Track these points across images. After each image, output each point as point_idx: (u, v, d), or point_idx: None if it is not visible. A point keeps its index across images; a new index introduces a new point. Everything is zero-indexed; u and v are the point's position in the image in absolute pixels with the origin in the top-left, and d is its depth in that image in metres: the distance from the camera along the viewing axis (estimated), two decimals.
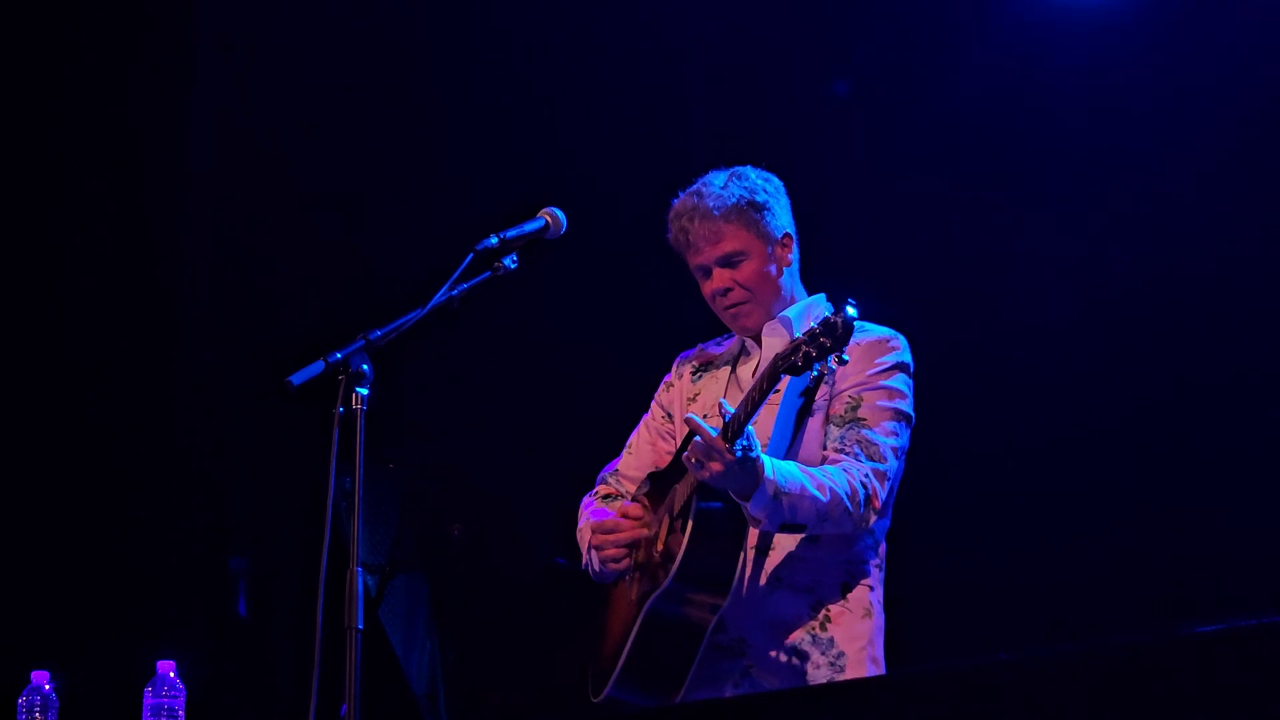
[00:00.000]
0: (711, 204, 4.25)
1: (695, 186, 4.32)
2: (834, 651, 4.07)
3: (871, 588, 4.17)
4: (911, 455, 6.56)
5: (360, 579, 3.71)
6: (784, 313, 4.28)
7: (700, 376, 4.42)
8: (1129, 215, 6.49)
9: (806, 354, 3.71)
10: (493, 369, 6.97)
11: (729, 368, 4.37)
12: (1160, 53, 6.42)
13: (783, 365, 3.76)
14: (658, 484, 4.29)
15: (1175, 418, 6.35)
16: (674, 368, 4.52)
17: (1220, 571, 6.14)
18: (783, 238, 4.30)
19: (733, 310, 4.27)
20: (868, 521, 4.03)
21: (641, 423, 4.53)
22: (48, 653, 6.04)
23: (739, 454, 3.77)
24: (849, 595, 4.12)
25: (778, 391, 4.11)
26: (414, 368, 6.17)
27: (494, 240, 4.04)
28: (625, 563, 4.19)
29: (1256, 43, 6.26)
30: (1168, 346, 6.39)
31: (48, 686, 4.38)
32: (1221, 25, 6.31)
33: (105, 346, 7.14)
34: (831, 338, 3.69)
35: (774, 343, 4.20)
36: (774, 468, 3.85)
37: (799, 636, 4.07)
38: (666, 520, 4.10)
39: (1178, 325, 6.38)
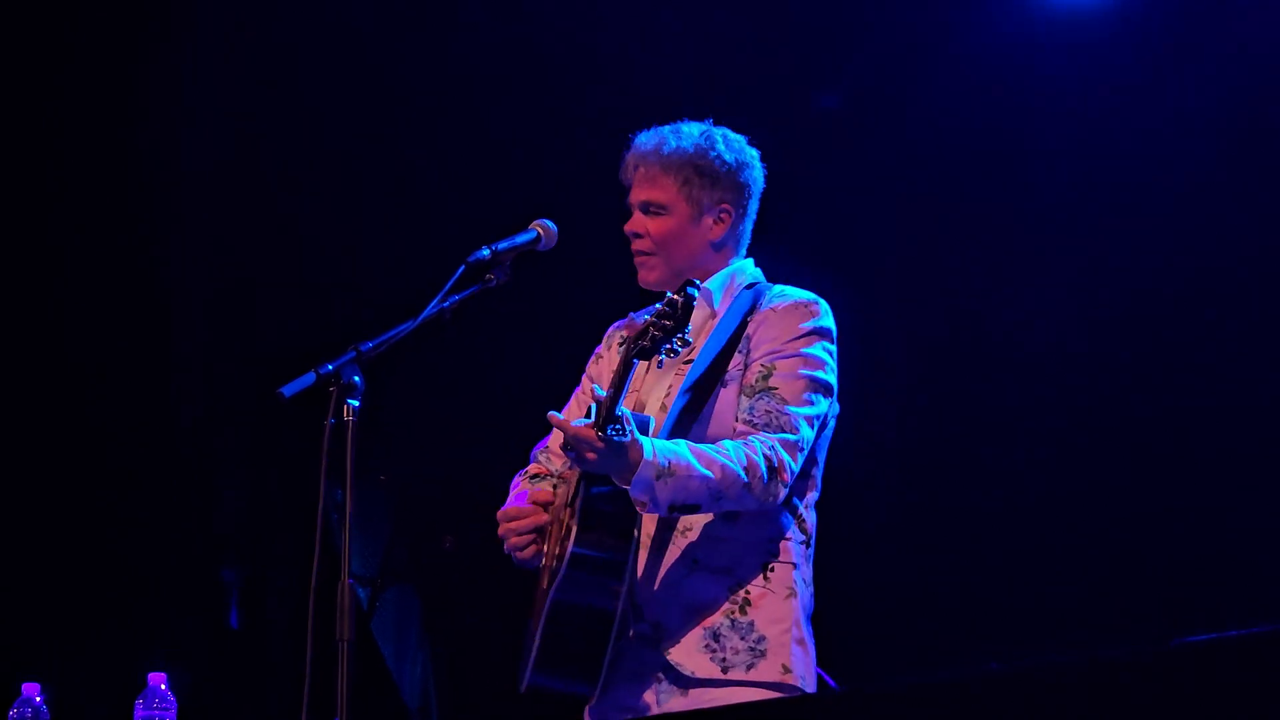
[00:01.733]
0: (663, 149, 4.16)
1: (663, 128, 4.23)
2: (754, 635, 3.94)
3: (796, 565, 4.03)
4: (909, 458, 6.60)
5: (352, 591, 3.70)
6: (706, 283, 4.14)
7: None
8: (1128, 218, 6.49)
9: (654, 336, 3.63)
10: (484, 380, 6.96)
11: None
12: (1152, 62, 6.44)
13: (633, 350, 3.69)
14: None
15: (1172, 420, 6.36)
16: (604, 338, 4.43)
17: (1218, 577, 6.15)
18: (719, 211, 4.17)
19: (637, 259, 4.19)
20: (775, 496, 3.87)
21: (572, 397, 4.42)
22: (39, 665, 6.05)
23: (610, 438, 3.69)
24: (770, 575, 3.98)
25: (687, 362, 4.05)
26: (406, 379, 6.18)
27: (485, 252, 4.04)
28: (530, 550, 4.08)
29: (1248, 53, 6.27)
30: (1167, 348, 6.41)
31: (39, 699, 4.37)
32: (1215, 35, 6.32)
33: (98, 358, 7.14)
34: (672, 318, 3.62)
35: (696, 315, 4.00)
36: (654, 449, 3.74)
37: (717, 620, 3.93)
38: (569, 510, 4.00)
39: (1177, 327, 6.40)
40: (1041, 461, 6.54)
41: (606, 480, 3.84)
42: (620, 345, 4.27)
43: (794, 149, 6.85)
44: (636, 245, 4.19)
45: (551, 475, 4.33)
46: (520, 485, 4.34)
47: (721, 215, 4.18)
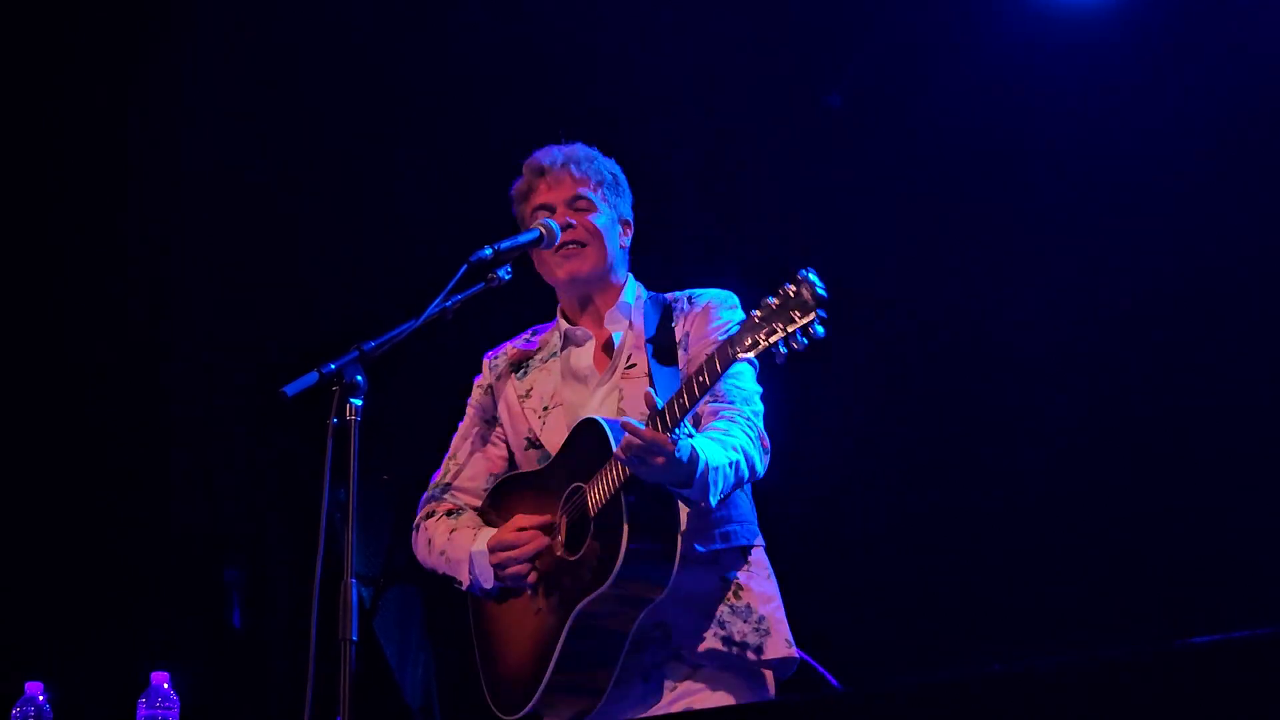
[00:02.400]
0: (582, 157, 4.32)
1: (555, 146, 4.37)
2: (754, 617, 4.05)
3: (761, 546, 4.17)
4: (909, 458, 6.59)
5: (355, 591, 3.70)
6: (622, 298, 4.28)
7: (525, 372, 4.36)
8: (1128, 219, 6.51)
9: (771, 329, 3.56)
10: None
11: (555, 358, 4.33)
12: (1153, 63, 6.44)
13: (743, 349, 3.60)
14: (526, 490, 4.22)
15: (1172, 420, 6.37)
16: (484, 369, 4.48)
17: (1219, 577, 6.15)
18: (625, 221, 4.35)
19: (569, 250, 4.23)
20: (765, 465, 4.04)
21: (459, 434, 4.46)
22: (42, 664, 6.04)
23: (678, 444, 3.71)
24: (750, 558, 4.11)
25: (635, 366, 4.14)
26: (408, 378, 6.17)
27: (488, 251, 4.05)
28: (532, 577, 4.10)
29: (1248, 54, 6.28)
30: (1167, 349, 6.42)
31: (42, 698, 4.37)
32: (1214, 36, 6.33)
33: (99, 358, 7.14)
34: (802, 309, 3.54)
35: (615, 329, 4.25)
36: (703, 448, 3.81)
37: (718, 609, 4.04)
38: (565, 523, 4.03)
39: (1177, 328, 6.40)
40: (1042, 462, 6.54)
41: (641, 490, 3.86)
42: (516, 373, 4.37)
43: (796, 148, 6.88)
44: (570, 235, 4.24)
45: (464, 509, 4.36)
46: (439, 525, 4.34)
47: (626, 225, 4.37)
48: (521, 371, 4.38)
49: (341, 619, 3.68)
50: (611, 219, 4.29)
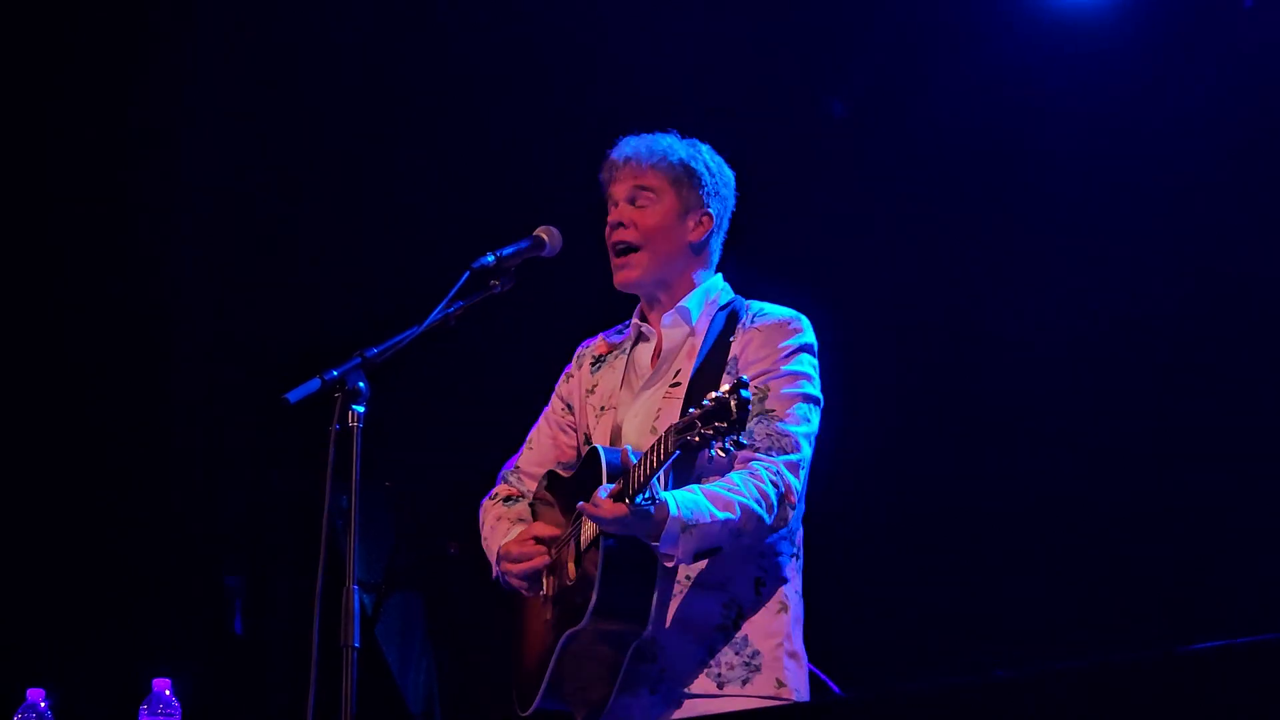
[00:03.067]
0: (654, 148, 4.19)
1: (642, 134, 4.27)
2: (749, 650, 3.95)
3: (786, 579, 4.04)
4: (912, 464, 6.60)
5: (356, 597, 3.70)
6: (683, 301, 4.17)
7: (599, 367, 4.31)
8: (1130, 223, 6.53)
9: (704, 434, 3.56)
10: (489, 385, 6.97)
11: (624, 356, 4.27)
12: (1155, 70, 6.46)
13: (677, 443, 3.62)
14: (559, 494, 4.20)
15: (1173, 425, 6.38)
16: (574, 358, 4.43)
17: (1220, 582, 6.16)
18: (701, 214, 4.19)
19: (619, 257, 4.17)
20: (786, 520, 3.90)
21: (542, 416, 4.43)
22: (44, 670, 6.04)
23: (640, 508, 3.69)
24: (762, 591, 3.99)
25: (678, 384, 4.05)
26: (411, 385, 6.17)
27: (490, 258, 4.04)
28: (531, 591, 4.12)
29: (1249, 59, 6.29)
30: (1166, 354, 6.43)
31: (43, 704, 4.37)
32: (1216, 42, 6.34)
33: (101, 362, 7.14)
34: (726, 420, 3.53)
35: (672, 332, 4.13)
36: (678, 504, 3.74)
37: (712, 636, 3.95)
38: (573, 548, 4.00)
39: (1175, 333, 6.42)
40: (1044, 466, 6.56)
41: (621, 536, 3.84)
42: (593, 365, 4.33)
43: (798, 154, 6.88)
44: (620, 236, 4.17)
45: (524, 496, 4.35)
46: (492, 510, 4.36)
47: (703, 218, 4.21)
48: (597, 365, 4.33)
49: (343, 625, 3.67)
50: (675, 213, 4.16)
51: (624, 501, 3.71)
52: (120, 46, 7.12)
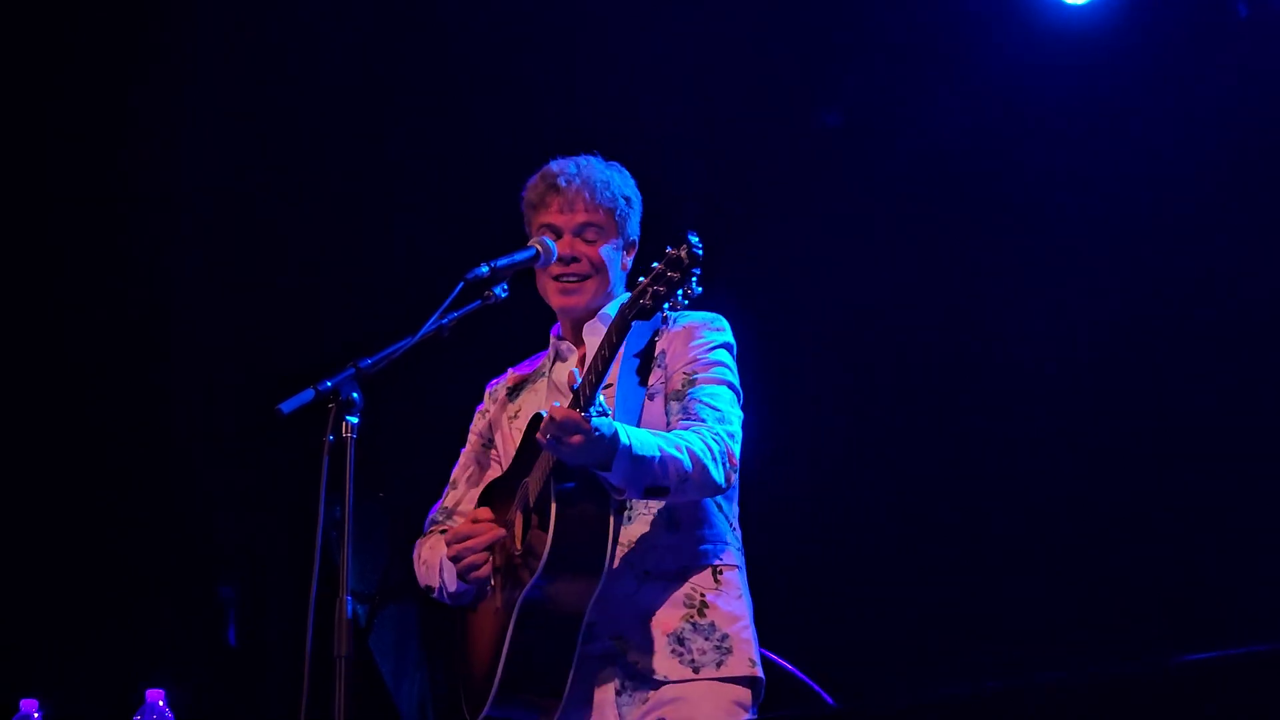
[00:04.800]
0: (598, 177, 4.24)
1: (575, 158, 4.29)
2: (717, 634, 3.99)
3: (739, 568, 4.11)
4: (902, 473, 6.60)
5: (350, 607, 3.70)
6: (604, 310, 4.24)
7: (517, 395, 4.37)
8: (1126, 230, 6.54)
9: (655, 292, 3.63)
10: (483, 395, 6.96)
11: (545, 378, 4.32)
12: (1150, 81, 6.47)
13: (631, 312, 3.68)
14: (496, 493, 4.21)
15: (1169, 433, 6.39)
16: (485, 396, 4.49)
17: (1217, 592, 6.16)
18: (631, 243, 4.30)
19: (569, 284, 4.21)
20: (729, 482, 3.95)
21: (461, 457, 4.47)
22: (37, 680, 6.04)
23: (593, 415, 3.68)
24: (720, 578, 4.05)
25: (610, 383, 4.05)
26: (404, 395, 6.17)
27: (484, 269, 4.04)
28: (486, 569, 4.08)
29: (1244, 74, 6.31)
30: (1164, 361, 6.44)
31: (37, 714, 4.37)
32: (1211, 57, 6.36)
33: (97, 373, 7.14)
34: (679, 270, 3.61)
35: (593, 340, 4.15)
36: (627, 433, 3.76)
37: (679, 625, 3.98)
38: (520, 518, 4.01)
39: (1174, 340, 6.43)
40: (1039, 476, 6.57)
41: (573, 477, 3.85)
42: (509, 396, 4.38)
43: (796, 163, 6.89)
44: (574, 269, 4.21)
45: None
46: (426, 541, 4.35)
47: (631, 247, 4.32)
48: (515, 395, 4.39)
49: (337, 636, 3.67)
50: (617, 247, 4.25)
51: (577, 409, 3.70)
52: (120, 47, 7.11)
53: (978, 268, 6.75)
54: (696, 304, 4.19)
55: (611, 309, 4.24)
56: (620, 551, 3.99)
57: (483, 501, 4.27)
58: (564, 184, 4.24)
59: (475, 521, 4.13)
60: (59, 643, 6.89)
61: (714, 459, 3.90)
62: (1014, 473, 6.60)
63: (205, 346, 7.33)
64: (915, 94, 6.79)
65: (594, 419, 3.68)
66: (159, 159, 7.24)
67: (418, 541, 4.40)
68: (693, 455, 3.85)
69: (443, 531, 4.35)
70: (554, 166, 4.30)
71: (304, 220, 7.24)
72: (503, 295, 4.07)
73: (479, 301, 4.05)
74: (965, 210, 6.76)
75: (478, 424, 4.47)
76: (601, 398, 3.73)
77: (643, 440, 3.80)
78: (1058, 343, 6.65)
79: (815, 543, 6.61)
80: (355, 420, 3.78)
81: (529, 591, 3.88)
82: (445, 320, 3.98)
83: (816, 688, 4.93)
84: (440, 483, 4.41)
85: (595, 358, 3.78)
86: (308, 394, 3.77)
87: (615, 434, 3.73)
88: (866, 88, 6.88)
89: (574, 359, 4.28)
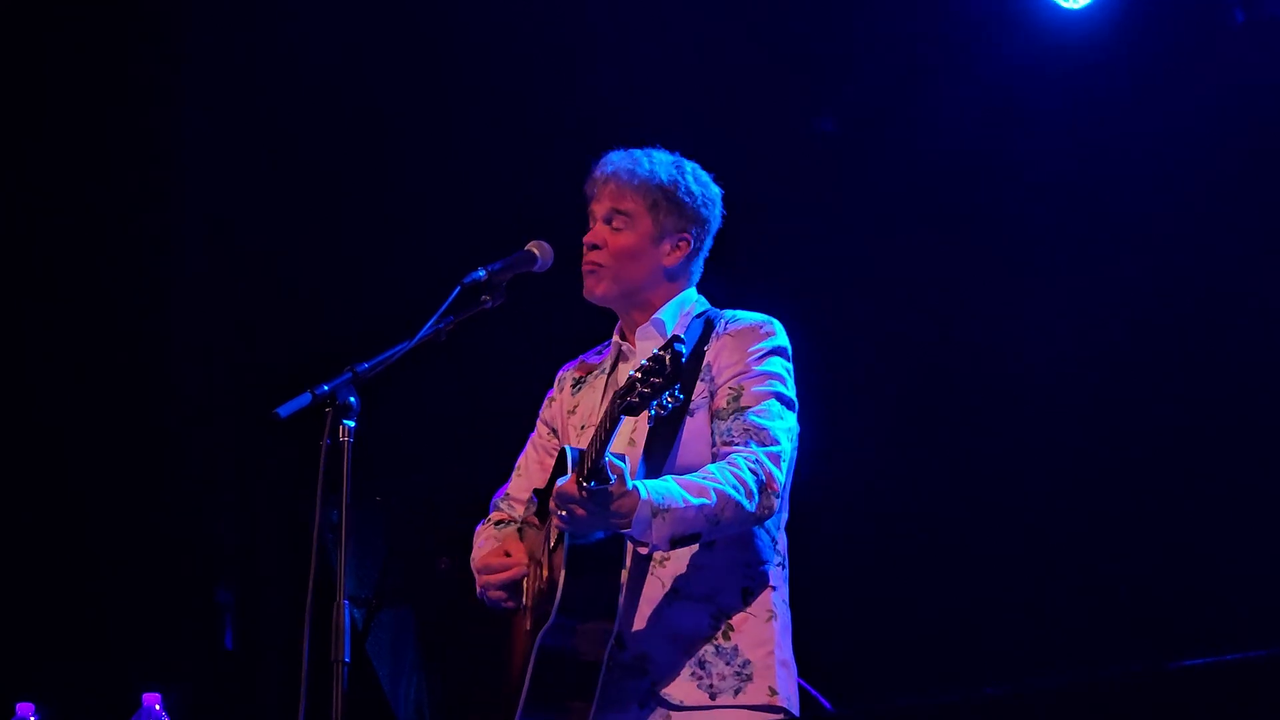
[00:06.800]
0: (637, 168, 4.19)
1: (643, 149, 4.26)
2: (739, 660, 3.94)
3: (774, 588, 4.04)
4: (902, 480, 6.60)
5: (347, 612, 3.70)
6: (657, 314, 4.18)
7: (580, 388, 4.32)
8: (1113, 242, 6.54)
9: (641, 393, 3.57)
10: (481, 400, 6.97)
11: (605, 375, 4.27)
12: (1145, 89, 6.48)
13: (620, 406, 3.62)
14: (542, 504, 4.18)
15: (1166, 439, 6.39)
16: (555, 382, 4.43)
17: (1214, 598, 6.16)
18: (678, 239, 4.20)
19: (587, 269, 4.18)
20: (769, 509, 3.88)
21: (528, 443, 4.43)
22: (33, 685, 6.03)
23: (595, 490, 3.66)
24: (750, 601, 3.99)
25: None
26: (402, 399, 6.18)
27: (481, 273, 4.04)
28: (511, 603, 4.11)
29: (1239, 82, 6.32)
30: (1161, 368, 6.44)
31: (33, 718, 4.37)
32: (1207, 64, 6.36)
33: (93, 378, 7.13)
34: (661, 375, 3.54)
35: (646, 345, 4.12)
36: (648, 490, 3.72)
37: (702, 648, 3.94)
38: (546, 549, 4.01)
39: (1172, 348, 6.44)
40: (1036, 485, 6.57)
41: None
42: (573, 387, 4.33)
43: (795, 170, 6.89)
44: (591, 256, 4.18)
45: (515, 521, 4.34)
46: (483, 533, 4.35)
47: (680, 243, 4.21)
48: (578, 387, 4.33)
49: (334, 641, 3.67)
50: (649, 238, 4.16)
51: (578, 483, 3.68)
52: (117, 56, 7.12)
53: (972, 275, 6.75)
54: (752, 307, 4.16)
55: (666, 315, 4.19)
56: (657, 569, 3.97)
57: (536, 502, 4.25)
58: (598, 174, 4.22)
59: (506, 554, 4.13)
60: (55, 647, 6.88)
61: (747, 494, 3.83)
62: (1012, 479, 6.60)
63: (202, 350, 7.33)
64: (911, 100, 6.79)
65: (596, 489, 3.66)
66: (158, 162, 7.25)
67: (478, 527, 4.39)
68: (721, 496, 3.80)
69: (498, 523, 4.34)
70: (610, 153, 4.25)
71: (301, 225, 7.24)
72: (499, 299, 4.06)
73: (476, 306, 4.04)
74: (960, 217, 6.76)
75: (545, 412, 4.43)
76: (613, 458, 3.69)
77: (664, 492, 3.75)
78: (1056, 346, 6.64)
79: (811, 548, 6.60)
80: (352, 424, 3.77)
81: (544, 635, 3.88)
82: (442, 325, 3.98)
83: (814, 692, 4.92)
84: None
85: (599, 428, 3.73)
86: (305, 398, 3.77)
87: (632, 496, 3.70)
88: (863, 95, 6.89)
89: (633, 361, 4.19)
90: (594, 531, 3.79)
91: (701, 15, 6.96)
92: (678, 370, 3.54)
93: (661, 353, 3.55)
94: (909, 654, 6.52)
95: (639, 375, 3.58)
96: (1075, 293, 6.59)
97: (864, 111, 6.91)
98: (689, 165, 4.27)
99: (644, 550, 3.85)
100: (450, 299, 3.97)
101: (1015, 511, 6.58)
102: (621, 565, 3.88)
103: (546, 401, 4.43)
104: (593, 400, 4.25)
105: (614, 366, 4.28)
